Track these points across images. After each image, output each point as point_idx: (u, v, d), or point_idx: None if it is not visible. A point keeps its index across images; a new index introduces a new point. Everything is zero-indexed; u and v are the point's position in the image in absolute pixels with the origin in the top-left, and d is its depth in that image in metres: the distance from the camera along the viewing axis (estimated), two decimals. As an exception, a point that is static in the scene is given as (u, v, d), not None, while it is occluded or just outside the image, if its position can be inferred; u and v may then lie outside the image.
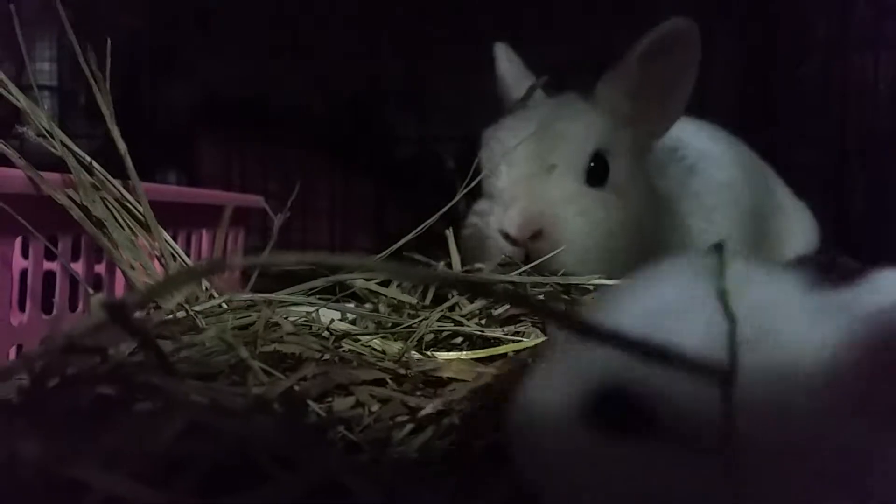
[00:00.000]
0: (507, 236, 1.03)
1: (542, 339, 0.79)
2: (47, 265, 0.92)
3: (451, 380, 0.70)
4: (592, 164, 1.07)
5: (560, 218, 1.02)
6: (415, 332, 0.77)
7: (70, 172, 0.87)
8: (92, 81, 0.87)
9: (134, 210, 0.88)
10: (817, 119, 1.70)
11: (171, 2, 1.99)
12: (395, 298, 0.88)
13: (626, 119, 1.10)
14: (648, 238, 1.10)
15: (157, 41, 1.97)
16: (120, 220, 0.82)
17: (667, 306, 0.43)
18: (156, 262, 0.92)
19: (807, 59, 1.72)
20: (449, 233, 1.02)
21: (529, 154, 1.06)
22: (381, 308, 0.89)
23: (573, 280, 0.90)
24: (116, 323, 0.37)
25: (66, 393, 0.43)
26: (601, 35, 1.67)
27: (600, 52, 1.36)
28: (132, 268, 0.80)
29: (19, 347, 0.91)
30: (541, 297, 0.88)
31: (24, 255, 0.93)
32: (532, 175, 1.05)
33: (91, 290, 0.81)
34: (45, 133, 0.86)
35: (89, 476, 0.39)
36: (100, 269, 1.04)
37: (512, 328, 0.81)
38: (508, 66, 1.26)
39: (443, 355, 0.77)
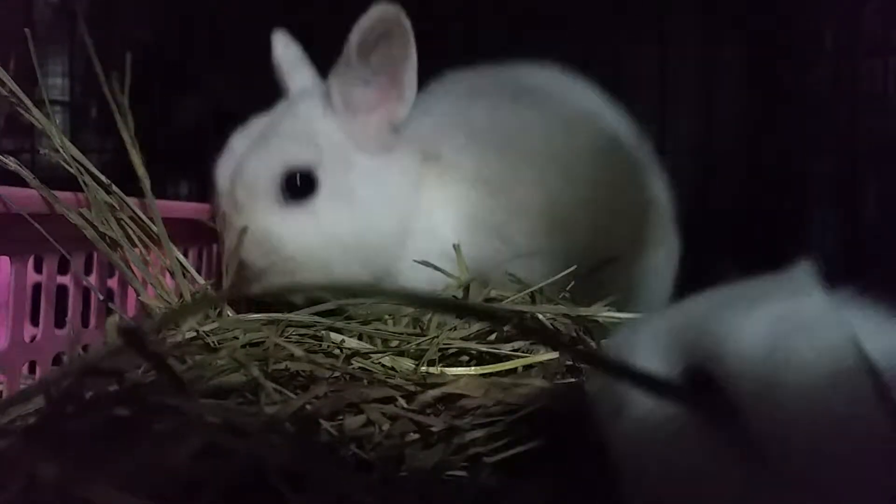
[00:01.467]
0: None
1: (550, 354, 0.80)
2: (59, 279, 0.93)
3: (460, 396, 0.70)
4: (288, 182, 1.02)
5: (293, 259, 1.00)
6: (425, 349, 0.78)
7: (82, 189, 0.88)
8: (113, 104, 0.88)
9: (146, 228, 0.89)
10: (827, 126, 1.70)
11: (182, 18, 2.01)
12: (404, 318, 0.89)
13: (359, 110, 1.06)
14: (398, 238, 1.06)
15: (169, 56, 1.99)
16: (134, 238, 0.83)
17: (793, 320, 0.43)
18: (167, 277, 0.93)
19: (816, 66, 1.72)
20: (457, 246, 1.02)
21: (228, 186, 1.03)
22: (390, 325, 0.89)
23: (583, 312, 0.89)
24: (132, 348, 0.38)
25: (84, 415, 0.44)
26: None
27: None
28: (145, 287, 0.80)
29: (32, 363, 0.92)
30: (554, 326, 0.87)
31: (37, 269, 0.94)
32: (234, 212, 1.02)
33: (112, 307, 0.82)
34: (60, 151, 0.87)
35: (107, 498, 0.40)
36: (111, 283, 1.05)
37: (520, 344, 0.82)
38: (284, 53, 1.22)
39: (452, 371, 0.77)
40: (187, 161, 2.11)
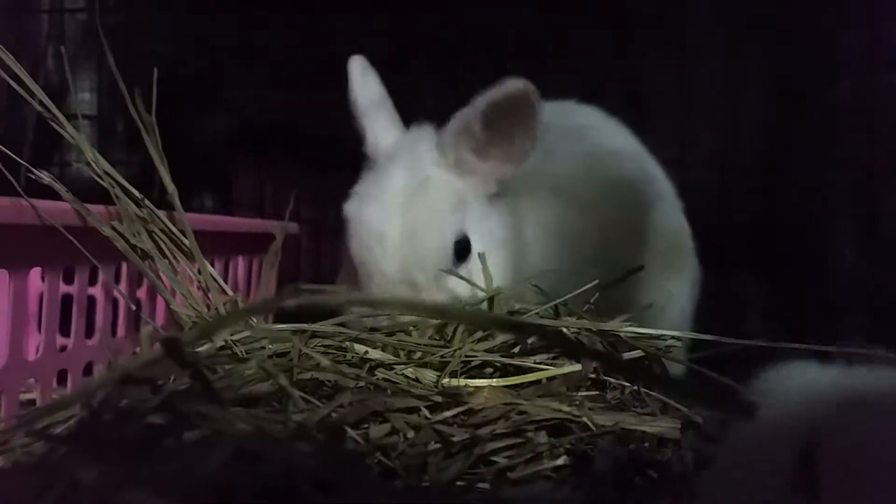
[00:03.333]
0: None
1: (573, 367, 0.80)
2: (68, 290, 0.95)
3: (483, 407, 0.71)
4: (456, 252, 1.05)
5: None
6: (447, 361, 0.79)
7: (107, 202, 0.90)
8: (139, 122, 0.90)
9: (177, 240, 0.91)
10: (848, 139, 1.69)
11: (206, 32, 2.05)
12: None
13: (471, 170, 1.09)
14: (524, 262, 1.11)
15: (192, 72, 2.03)
16: (165, 250, 0.85)
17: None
18: (196, 287, 0.95)
19: (837, 79, 1.72)
20: (482, 256, 1.04)
21: (401, 267, 1.03)
22: (414, 336, 0.90)
23: (604, 326, 0.90)
24: (171, 357, 0.39)
25: (121, 422, 0.45)
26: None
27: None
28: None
29: (63, 371, 0.95)
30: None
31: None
32: (408, 290, 1.03)
33: (145, 318, 0.84)
34: (92, 165, 0.89)
35: (143, 501, 0.41)
36: (140, 294, 1.07)
37: (544, 356, 0.83)
38: (362, 88, 1.19)
39: (474, 383, 0.78)
40: (210, 174, 2.15)
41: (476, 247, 1.07)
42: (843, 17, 1.62)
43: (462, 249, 1.06)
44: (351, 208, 1.09)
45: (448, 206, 1.07)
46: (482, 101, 1.03)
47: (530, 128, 1.05)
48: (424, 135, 1.14)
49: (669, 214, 1.37)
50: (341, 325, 0.89)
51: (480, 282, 1.04)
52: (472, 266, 1.06)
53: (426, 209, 1.05)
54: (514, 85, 1.00)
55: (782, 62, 1.80)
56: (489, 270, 1.04)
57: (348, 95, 1.20)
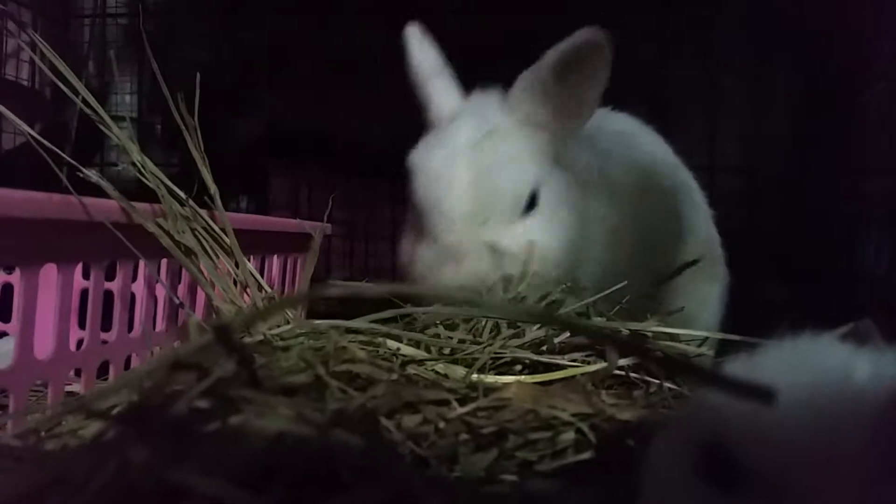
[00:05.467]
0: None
1: (601, 364, 0.82)
2: (109, 285, 0.98)
3: (511, 402, 0.73)
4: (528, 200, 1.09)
5: (515, 261, 1.05)
6: (478, 357, 0.81)
7: (148, 200, 0.94)
8: (182, 125, 0.93)
9: (218, 238, 0.94)
10: (880, 146, 1.68)
11: (243, 37, 2.09)
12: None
13: (540, 124, 1.11)
14: (582, 241, 1.13)
15: (229, 76, 2.07)
16: (207, 248, 0.89)
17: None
18: (234, 283, 0.98)
19: (868, 86, 1.71)
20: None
21: (471, 205, 1.05)
22: (441, 331, 0.92)
23: (633, 326, 0.92)
24: (221, 343, 0.42)
25: (170, 405, 0.48)
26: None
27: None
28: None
29: (105, 362, 0.98)
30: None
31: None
32: (476, 233, 1.05)
33: (188, 311, 0.87)
34: (137, 165, 0.93)
35: (192, 481, 0.44)
36: (179, 289, 1.11)
37: (576, 355, 0.84)
38: (422, 56, 1.21)
39: (503, 379, 0.80)
40: (246, 176, 2.19)
41: (543, 202, 1.08)
42: (873, 25, 1.61)
43: (529, 202, 1.08)
44: (417, 157, 1.11)
45: (521, 153, 1.08)
46: (554, 52, 1.04)
47: (600, 79, 1.07)
48: (491, 94, 1.17)
49: (703, 223, 1.41)
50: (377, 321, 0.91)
51: (545, 232, 1.06)
52: (534, 221, 1.08)
53: (499, 154, 1.07)
54: (587, 34, 1.02)
55: (810, 70, 1.80)
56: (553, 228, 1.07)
57: (407, 65, 1.22)
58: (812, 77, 1.81)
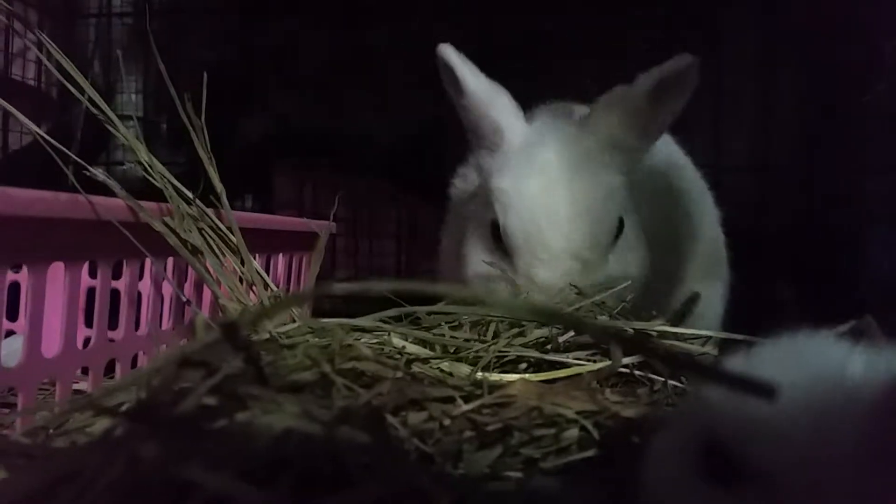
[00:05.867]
0: None
1: (605, 363, 0.82)
2: (115, 284, 0.99)
3: (516, 400, 0.73)
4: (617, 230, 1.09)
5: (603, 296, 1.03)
6: (482, 356, 0.81)
7: (153, 199, 0.94)
8: (189, 125, 0.94)
9: (224, 237, 0.95)
10: (886, 145, 1.68)
11: (248, 37, 2.10)
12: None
13: (622, 146, 1.10)
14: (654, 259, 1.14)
15: (234, 75, 2.08)
16: (214, 247, 0.89)
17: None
18: (240, 281, 0.98)
19: (873, 84, 1.71)
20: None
21: (568, 244, 1.04)
22: (446, 330, 0.93)
23: (637, 325, 0.92)
24: (228, 340, 0.42)
25: (178, 402, 0.48)
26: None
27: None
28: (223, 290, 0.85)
29: (112, 360, 0.98)
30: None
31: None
32: (573, 270, 1.04)
33: (195, 309, 0.87)
34: (143, 164, 0.93)
35: (201, 476, 0.44)
36: (186, 287, 1.11)
37: (580, 353, 0.85)
38: (475, 79, 1.17)
39: (508, 377, 0.80)
40: (251, 174, 2.20)
41: (626, 228, 1.09)
42: (879, 23, 1.61)
43: (619, 228, 1.09)
44: (505, 184, 1.08)
45: (612, 181, 1.08)
46: (651, 77, 1.05)
47: (682, 104, 1.08)
48: (558, 111, 1.18)
49: (711, 226, 1.41)
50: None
51: (629, 264, 1.07)
52: (622, 252, 1.09)
53: (596, 185, 1.06)
54: (684, 60, 1.04)
55: (816, 69, 1.80)
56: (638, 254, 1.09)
57: (453, 87, 1.18)
58: (818, 76, 1.81)
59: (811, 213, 1.78)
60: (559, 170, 1.06)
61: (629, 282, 1.04)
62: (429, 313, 0.94)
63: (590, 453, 0.67)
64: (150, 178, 0.94)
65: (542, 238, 1.03)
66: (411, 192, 2.11)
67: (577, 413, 0.71)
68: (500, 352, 0.85)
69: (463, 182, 1.43)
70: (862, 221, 1.58)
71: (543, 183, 1.06)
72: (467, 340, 0.86)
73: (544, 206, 1.04)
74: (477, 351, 0.84)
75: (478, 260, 1.14)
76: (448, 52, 1.17)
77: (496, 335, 0.89)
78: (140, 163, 0.96)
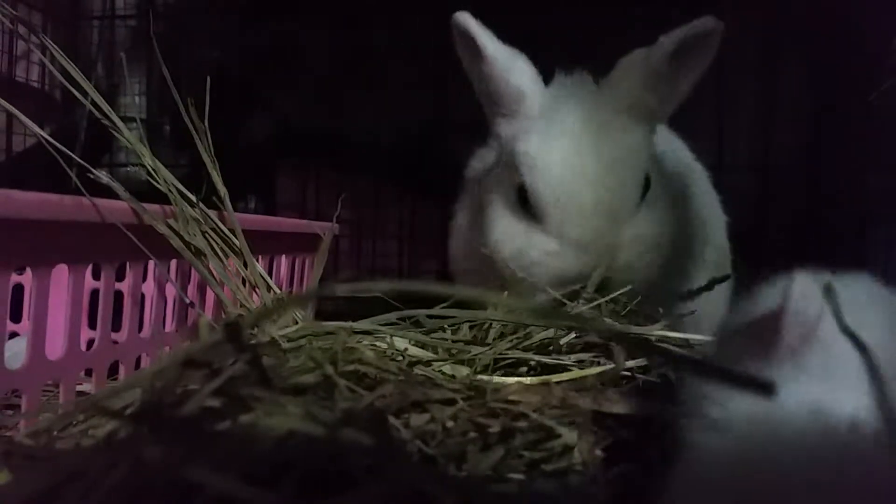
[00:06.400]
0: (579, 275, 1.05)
1: (606, 365, 0.82)
2: (118, 286, 0.99)
3: (517, 403, 0.73)
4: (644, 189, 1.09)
5: (630, 264, 1.06)
6: (484, 358, 0.81)
7: (157, 201, 0.95)
8: (192, 129, 0.94)
9: (227, 239, 0.95)
10: (890, 144, 1.68)
11: (251, 39, 2.10)
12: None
13: (643, 112, 1.10)
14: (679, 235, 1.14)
15: (237, 76, 2.08)
16: (217, 249, 0.89)
17: None
18: (243, 284, 0.99)
19: (877, 84, 1.70)
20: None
21: (599, 198, 1.05)
22: (449, 335, 0.93)
23: (636, 330, 0.92)
24: (232, 342, 0.42)
25: (182, 404, 0.49)
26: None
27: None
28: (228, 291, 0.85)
29: (116, 362, 0.99)
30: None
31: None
32: (606, 224, 1.05)
33: (199, 312, 0.87)
34: (148, 168, 0.94)
35: (205, 478, 0.44)
36: (189, 290, 1.12)
37: (586, 356, 0.84)
38: (493, 44, 1.15)
39: (509, 380, 0.80)
40: (254, 175, 2.20)
41: (651, 191, 1.09)
42: (882, 22, 1.61)
43: (646, 187, 1.09)
44: (532, 145, 1.09)
45: (637, 142, 1.08)
46: (672, 38, 1.05)
47: (703, 70, 1.08)
48: (586, 79, 1.16)
49: (718, 230, 1.41)
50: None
51: (658, 221, 1.08)
52: (649, 211, 1.08)
53: (621, 145, 1.06)
54: (708, 22, 1.03)
55: (819, 68, 1.79)
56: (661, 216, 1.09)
57: (466, 51, 1.17)
58: (821, 75, 1.81)
59: (813, 212, 1.77)
60: (583, 129, 1.07)
61: (629, 287, 1.02)
62: (429, 316, 0.94)
63: (591, 454, 0.67)
64: (154, 182, 0.94)
65: (572, 196, 1.04)
66: (414, 193, 2.11)
67: (578, 414, 0.71)
68: (502, 354, 0.85)
69: (479, 162, 1.42)
70: (864, 220, 1.58)
71: (569, 142, 1.06)
72: (467, 343, 0.86)
73: (572, 166, 1.05)
74: (479, 353, 0.84)
75: (504, 224, 1.14)
76: (466, 19, 1.16)
77: (502, 335, 0.89)
78: (144, 165, 0.96)
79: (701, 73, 1.09)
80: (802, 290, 0.49)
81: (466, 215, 1.37)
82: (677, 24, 1.08)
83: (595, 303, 0.98)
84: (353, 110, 2.04)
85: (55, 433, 0.68)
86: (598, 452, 0.67)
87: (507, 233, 1.13)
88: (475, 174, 1.43)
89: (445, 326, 0.96)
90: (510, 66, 1.15)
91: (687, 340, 0.90)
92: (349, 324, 0.85)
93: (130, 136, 0.95)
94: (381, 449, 0.50)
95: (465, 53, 1.18)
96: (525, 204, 1.10)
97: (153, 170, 0.94)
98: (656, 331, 0.92)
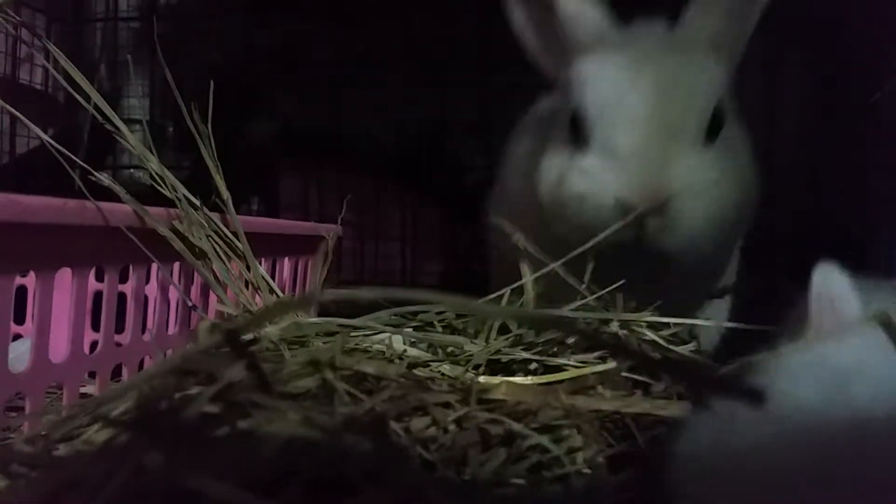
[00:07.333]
0: (623, 206, 0.91)
1: (608, 365, 0.82)
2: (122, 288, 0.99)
3: (518, 404, 0.73)
4: (711, 121, 0.97)
5: (688, 194, 0.92)
6: (485, 358, 0.81)
7: (159, 203, 0.95)
8: (195, 133, 0.94)
9: (230, 241, 0.95)
10: (892, 145, 1.67)
11: (254, 40, 2.11)
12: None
13: (717, 47, 1.01)
14: (749, 195, 1.03)
15: (240, 77, 2.08)
16: (219, 252, 0.89)
17: None
18: (246, 288, 0.99)
19: (881, 84, 1.70)
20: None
21: (653, 110, 0.93)
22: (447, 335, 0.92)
23: (625, 317, 0.88)
24: (230, 346, 0.42)
25: (180, 410, 0.49)
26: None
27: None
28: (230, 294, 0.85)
29: (119, 366, 0.99)
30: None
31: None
32: (657, 137, 0.92)
33: (202, 314, 0.88)
34: (151, 172, 0.94)
35: (205, 486, 0.44)
36: (192, 293, 1.12)
37: (592, 356, 0.84)
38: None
39: (509, 380, 0.80)
40: (256, 176, 2.21)
41: (724, 137, 0.98)
42: (888, 21, 1.60)
43: (715, 124, 0.97)
44: (588, 64, 1.00)
45: (710, 69, 0.99)
46: None
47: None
48: (662, 22, 1.07)
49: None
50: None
51: (728, 170, 0.96)
52: (718, 153, 0.97)
53: (689, 66, 0.97)
54: None
55: (822, 68, 1.79)
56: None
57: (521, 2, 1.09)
58: (824, 75, 1.80)
59: (817, 213, 1.77)
60: (650, 49, 0.98)
61: (622, 281, 0.93)
62: (414, 313, 0.92)
63: (593, 455, 0.67)
64: (157, 186, 0.95)
65: (621, 109, 0.93)
66: (416, 194, 2.11)
67: (579, 415, 0.71)
68: (503, 355, 0.84)
69: (525, 129, 1.33)
70: (868, 221, 1.57)
71: (630, 59, 0.97)
72: (468, 344, 0.86)
73: (629, 80, 0.95)
74: (476, 354, 0.83)
75: (550, 156, 1.03)
76: None
77: (505, 333, 0.88)
78: (148, 171, 0.97)
79: (760, 10, 1.01)
80: (824, 277, 0.49)
81: (522, 147, 1.25)
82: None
83: (591, 298, 0.95)
84: (355, 112, 2.04)
85: (53, 440, 0.68)
86: (601, 459, 0.67)
87: (551, 162, 1.03)
88: (532, 115, 1.33)
89: (440, 328, 0.95)
90: (583, 4, 1.04)
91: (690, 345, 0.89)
92: (349, 321, 0.85)
93: (135, 142, 0.95)
94: (381, 454, 0.50)
95: (525, 5, 1.09)
96: (576, 132, 0.99)
97: (157, 175, 0.94)
98: (646, 317, 0.88)
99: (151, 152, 0.98)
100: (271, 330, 0.75)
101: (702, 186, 0.92)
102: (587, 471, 0.65)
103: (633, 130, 0.92)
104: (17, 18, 1.00)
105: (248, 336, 0.72)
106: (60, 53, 0.96)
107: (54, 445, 0.63)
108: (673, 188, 0.91)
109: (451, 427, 0.63)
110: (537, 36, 1.10)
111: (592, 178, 0.95)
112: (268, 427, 0.50)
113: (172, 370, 0.51)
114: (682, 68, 0.97)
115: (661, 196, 0.90)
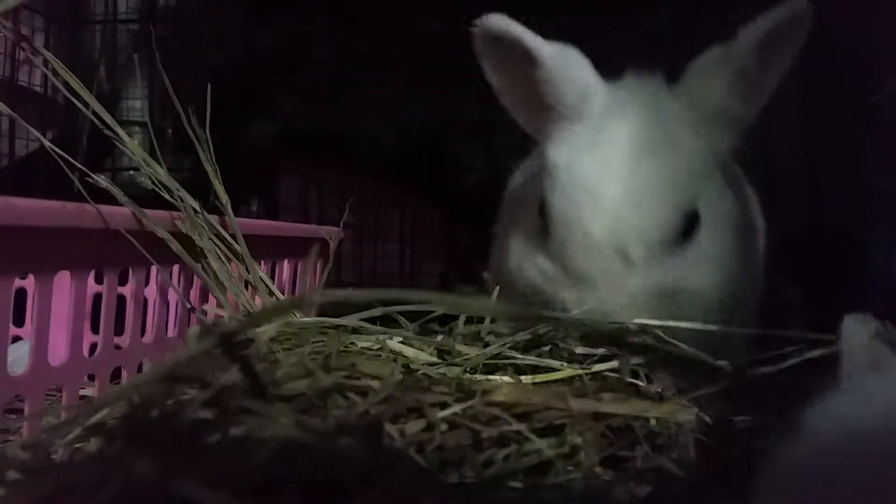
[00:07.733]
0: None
1: (604, 365, 0.82)
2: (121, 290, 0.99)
3: (514, 406, 0.73)
4: (686, 222, 0.92)
5: (643, 308, 0.88)
6: (483, 360, 0.81)
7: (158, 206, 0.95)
8: (193, 137, 0.94)
9: (229, 244, 0.95)
10: (892, 145, 1.67)
11: (254, 42, 2.11)
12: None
13: (721, 116, 0.95)
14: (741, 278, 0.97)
15: (239, 79, 2.08)
16: (219, 254, 0.90)
17: None
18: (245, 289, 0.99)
19: (881, 84, 1.69)
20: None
21: (610, 236, 0.89)
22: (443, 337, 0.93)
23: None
24: (223, 350, 0.43)
25: (172, 417, 0.49)
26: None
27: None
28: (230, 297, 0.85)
29: (118, 369, 0.99)
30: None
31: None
32: (612, 263, 0.89)
33: (200, 317, 0.88)
34: (151, 177, 0.94)
35: (197, 493, 0.44)
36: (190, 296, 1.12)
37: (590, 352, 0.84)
38: (534, 39, 0.97)
39: (505, 379, 0.80)
40: (256, 178, 2.21)
41: (706, 224, 0.92)
42: (887, 21, 1.60)
43: (689, 226, 0.91)
44: (560, 156, 0.94)
45: (688, 170, 0.91)
46: (758, 28, 0.90)
47: (792, 59, 0.92)
48: (657, 82, 1.00)
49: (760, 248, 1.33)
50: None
51: (703, 267, 0.91)
52: (694, 249, 0.91)
53: (661, 171, 0.90)
54: (797, 5, 0.88)
55: (823, 68, 1.78)
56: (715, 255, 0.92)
57: (505, 62, 1.01)
58: (825, 75, 1.80)
59: (818, 214, 1.77)
60: (627, 144, 0.91)
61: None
62: (402, 312, 0.91)
63: (592, 457, 0.67)
64: (158, 190, 0.95)
65: (582, 220, 0.89)
66: (416, 195, 2.12)
67: (578, 417, 0.71)
68: (502, 356, 0.84)
69: (522, 175, 1.26)
70: (869, 222, 1.57)
71: (602, 158, 0.91)
72: (465, 345, 0.86)
73: (594, 186, 0.89)
74: (472, 356, 0.83)
75: (516, 238, 1.01)
76: (504, 23, 0.98)
77: (499, 335, 0.89)
78: (148, 175, 0.97)
79: (791, 65, 0.93)
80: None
81: (500, 229, 1.21)
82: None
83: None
84: (356, 112, 2.04)
85: (48, 446, 0.68)
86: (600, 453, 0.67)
87: (515, 246, 1.02)
88: (514, 186, 1.27)
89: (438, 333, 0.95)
90: (569, 62, 0.98)
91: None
92: (343, 320, 0.85)
93: (135, 148, 0.95)
94: (375, 458, 0.50)
95: (501, 62, 1.02)
96: (543, 219, 0.96)
97: (156, 180, 0.94)
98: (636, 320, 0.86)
99: (153, 156, 0.98)
100: (265, 331, 0.75)
101: (663, 297, 0.89)
102: (587, 473, 0.65)
103: (589, 257, 0.90)
104: (16, 31, 1.00)
105: (242, 339, 0.72)
106: (60, 63, 0.96)
107: (48, 451, 0.63)
108: (621, 312, 0.87)
109: (445, 428, 0.63)
110: (514, 96, 1.05)
111: (545, 277, 0.95)
112: (261, 432, 0.50)
113: (164, 376, 0.51)
114: (661, 177, 0.90)
115: (610, 317, 0.87)
